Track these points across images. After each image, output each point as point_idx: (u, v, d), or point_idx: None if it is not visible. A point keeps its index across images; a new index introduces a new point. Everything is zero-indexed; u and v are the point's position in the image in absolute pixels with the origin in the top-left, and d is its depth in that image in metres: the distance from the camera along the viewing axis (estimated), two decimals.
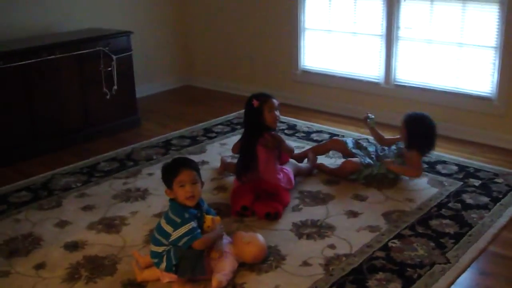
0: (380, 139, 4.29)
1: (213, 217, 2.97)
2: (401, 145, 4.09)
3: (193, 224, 2.83)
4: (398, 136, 4.19)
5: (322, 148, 4.38)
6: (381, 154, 4.11)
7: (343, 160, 4.17)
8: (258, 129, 3.74)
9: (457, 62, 4.88)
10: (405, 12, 5.06)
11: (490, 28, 4.62)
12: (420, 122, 3.98)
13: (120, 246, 3.27)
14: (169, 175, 2.92)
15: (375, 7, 5.23)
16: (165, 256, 2.84)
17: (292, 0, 5.73)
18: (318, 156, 4.29)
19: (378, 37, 5.28)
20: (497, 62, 4.63)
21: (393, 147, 4.16)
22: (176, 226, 2.82)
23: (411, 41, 5.10)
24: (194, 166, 2.97)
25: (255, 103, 3.73)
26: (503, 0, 4.49)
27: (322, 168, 4.17)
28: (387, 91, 5.29)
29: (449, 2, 4.79)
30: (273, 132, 3.78)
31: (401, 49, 5.17)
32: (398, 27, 5.13)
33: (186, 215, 2.84)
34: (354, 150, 4.14)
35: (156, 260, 2.88)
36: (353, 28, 5.46)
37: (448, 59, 4.92)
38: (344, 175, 4.02)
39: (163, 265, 2.84)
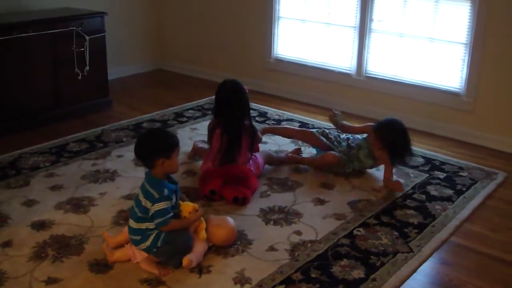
0: (347, 129, 4.26)
1: (193, 207, 2.97)
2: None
3: (168, 204, 2.85)
4: (360, 126, 4.20)
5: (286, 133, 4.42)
6: (352, 145, 4.10)
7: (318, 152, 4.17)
8: (246, 115, 3.78)
9: (428, 57, 4.95)
10: (379, 5, 5.11)
11: (461, 25, 4.69)
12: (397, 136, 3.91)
13: (88, 227, 3.28)
14: (172, 145, 2.91)
15: None
16: (152, 236, 2.86)
17: None
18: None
19: (351, 28, 5.32)
20: (466, 58, 4.71)
21: (359, 137, 4.14)
22: (154, 201, 2.83)
23: (384, 33, 5.16)
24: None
25: (246, 88, 3.80)
26: None
27: (297, 160, 4.16)
28: (358, 82, 5.35)
29: None
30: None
31: (373, 41, 5.23)
32: (371, 20, 5.17)
33: (166, 192, 2.85)
34: (325, 141, 4.14)
35: (137, 238, 2.88)
36: (327, 19, 5.50)
37: (419, 53, 4.99)
38: (324, 166, 4.01)
39: (146, 244, 2.86)
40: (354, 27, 5.29)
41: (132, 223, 2.92)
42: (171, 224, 2.86)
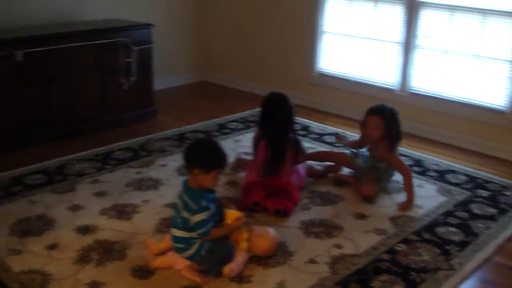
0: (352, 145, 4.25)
1: (237, 215, 2.99)
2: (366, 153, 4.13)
3: (207, 214, 2.88)
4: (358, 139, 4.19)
5: (320, 157, 4.39)
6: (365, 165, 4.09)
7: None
8: (290, 128, 3.82)
9: (473, 74, 4.91)
10: (425, 21, 5.09)
11: (507, 42, 4.65)
12: (393, 115, 3.93)
13: (131, 233, 3.34)
14: (217, 163, 2.92)
15: (395, 15, 5.27)
16: (196, 245, 2.90)
17: (312, 3, 5.79)
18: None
19: (396, 44, 5.32)
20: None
21: (363, 154, 4.14)
22: (193, 212, 2.87)
23: (428, 50, 5.14)
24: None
25: (292, 102, 3.84)
26: None
27: (340, 177, 4.15)
28: (401, 98, 5.33)
29: (470, 14, 4.82)
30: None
31: (418, 57, 5.21)
32: (416, 36, 5.16)
33: (203, 203, 2.88)
34: (358, 163, 4.14)
35: (181, 246, 2.93)
36: (371, 34, 5.51)
37: (463, 70, 4.95)
38: (359, 194, 3.94)
39: (190, 252, 2.91)
40: (399, 42, 5.29)
41: (175, 231, 2.96)
42: (212, 233, 2.90)
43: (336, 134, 4.24)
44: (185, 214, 2.89)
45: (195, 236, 2.90)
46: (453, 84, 5.04)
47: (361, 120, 4.03)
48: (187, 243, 2.92)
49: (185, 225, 2.91)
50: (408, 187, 3.86)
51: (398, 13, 5.24)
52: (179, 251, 2.95)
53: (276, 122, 3.79)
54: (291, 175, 3.80)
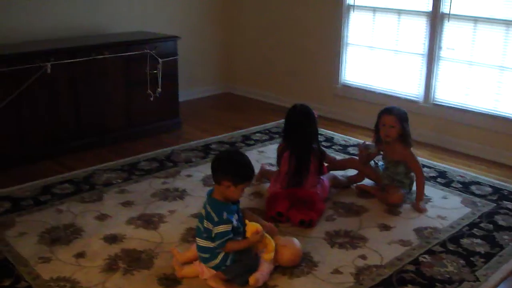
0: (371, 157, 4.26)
1: (253, 229, 2.95)
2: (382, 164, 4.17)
3: (228, 227, 2.90)
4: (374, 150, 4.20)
5: (339, 164, 4.41)
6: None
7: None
8: (313, 139, 3.86)
9: (498, 86, 4.90)
10: (448, 33, 5.10)
11: None
12: (404, 114, 4.02)
13: (158, 242, 3.39)
14: (242, 179, 2.94)
15: (419, 27, 5.28)
16: (221, 255, 2.93)
17: (336, 15, 5.83)
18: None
19: (420, 56, 5.33)
20: None
21: (380, 164, 4.21)
22: (214, 224, 2.90)
23: (453, 61, 5.14)
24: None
25: (316, 113, 3.87)
26: None
27: (364, 188, 4.16)
28: (425, 109, 5.33)
29: (493, 25, 4.82)
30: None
31: (442, 69, 5.21)
32: (440, 47, 5.17)
33: (225, 215, 2.91)
34: (379, 173, 4.17)
35: (206, 255, 2.96)
36: (395, 46, 5.53)
37: (488, 82, 4.95)
38: (387, 204, 3.97)
39: (215, 262, 2.94)
40: (423, 54, 5.30)
41: (199, 241, 3.00)
42: (228, 245, 2.91)
43: (358, 144, 4.25)
44: (206, 224, 2.94)
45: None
46: (478, 95, 5.03)
47: (373, 127, 4.11)
48: (212, 253, 2.96)
49: (209, 235, 2.94)
50: (421, 185, 3.96)
51: (421, 24, 5.25)
52: (204, 261, 2.99)
53: (300, 133, 3.83)
54: (315, 186, 3.83)
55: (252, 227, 2.96)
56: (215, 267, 2.95)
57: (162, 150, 4.97)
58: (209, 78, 6.99)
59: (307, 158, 3.78)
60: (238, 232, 2.98)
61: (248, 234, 2.95)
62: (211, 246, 2.94)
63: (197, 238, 3.02)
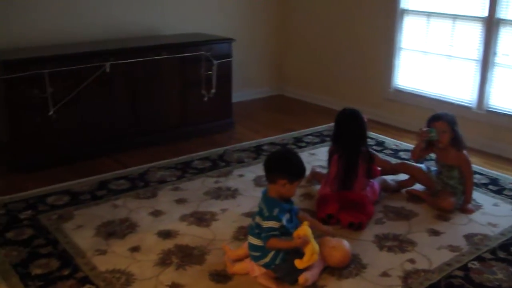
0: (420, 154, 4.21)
1: (298, 233, 2.96)
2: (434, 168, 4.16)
3: (275, 224, 2.96)
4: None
5: (391, 169, 4.38)
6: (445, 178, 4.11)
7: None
8: (362, 143, 3.90)
9: None
10: (504, 38, 5.06)
11: None
12: (454, 119, 4.03)
13: (210, 239, 3.48)
14: (297, 176, 3.04)
15: (473, 32, 5.25)
16: (271, 253, 3.00)
17: (390, 20, 5.84)
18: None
19: (474, 61, 5.29)
20: None
21: (434, 171, 4.18)
22: (263, 218, 2.99)
23: (508, 68, 5.10)
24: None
25: (366, 117, 3.92)
26: None
27: (415, 193, 4.17)
28: (478, 116, 5.30)
29: None
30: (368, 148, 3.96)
31: (496, 75, 5.17)
32: (495, 53, 5.13)
33: (275, 212, 2.98)
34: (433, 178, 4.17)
35: (257, 254, 3.04)
36: (449, 51, 5.51)
37: None
38: (438, 209, 3.98)
39: (265, 260, 3.01)
40: (477, 60, 5.26)
41: (251, 239, 3.08)
42: (271, 241, 2.96)
43: (420, 130, 4.18)
44: (258, 220, 3.02)
45: None
46: None
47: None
48: (262, 251, 3.02)
49: (259, 230, 3.01)
50: (470, 188, 3.99)
51: (476, 30, 5.22)
52: (255, 259, 3.06)
53: (348, 136, 3.88)
54: (364, 188, 3.86)
55: (298, 230, 2.97)
56: (265, 265, 3.02)
57: (215, 149, 5.07)
58: (262, 80, 7.08)
59: (355, 161, 3.83)
60: (288, 232, 3.02)
61: (295, 235, 2.99)
62: (262, 244, 3.01)
63: (249, 236, 3.10)
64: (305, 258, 2.93)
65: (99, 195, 4.10)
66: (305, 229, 2.95)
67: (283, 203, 3.04)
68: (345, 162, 3.84)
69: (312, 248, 2.94)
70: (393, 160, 4.85)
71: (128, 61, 4.88)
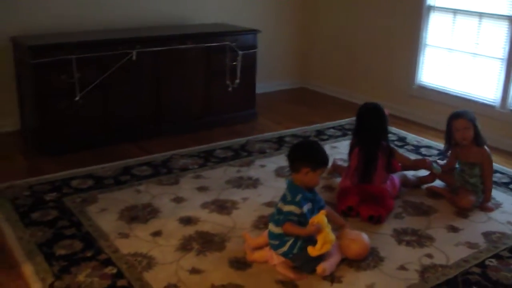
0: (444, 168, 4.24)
1: (314, 219, 3.01)
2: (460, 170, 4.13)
3: (296, 210, 3.02)
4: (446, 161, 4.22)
5: (411, 164, 4.37)
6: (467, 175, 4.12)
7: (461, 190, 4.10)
8: (382, 137, 3.92)
9: None
10: None
11: None
12: (474, 115, 4.03)
13: (230, 227, 3.53)
14: (319, 163, 3.09)
15: (499, 30, 5.24)
16: (289, 243, 3.04)
17: (416, 16, 5.84)
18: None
19: (499, 60, 5.28)
20: None
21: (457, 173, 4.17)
22: (285, 202, 3.06)
23: None
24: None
25: (387, 111, 3.94)
26: None
27: (435, 190, 4.18)
28: (501, 115, 5.29)
29: None
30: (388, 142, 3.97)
31: None
32: None
33: (298, 198, 3.04)
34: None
35: (276, 242, 3.09)
36: (474, 49, 5.50)
37: None
38: (457, 206, 3.99)
39: (283, 249, 3.05)
40: (502, 58, 5.25)
41: (272, 227, 3.12)
42: (287, 225, 3.01)
43: (426, 160, 4.24)
44: (280, 205, 3.08)
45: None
46: None
47: (444, 134, 4.13)
48: (281, 240, 3.07)
49: (279, 216, 3.07)
50: (489, 185, 4.01)
51: (503, 28, 5.21)
52: (274, 247, 3.10)
53: (369, 130, 3.92)
54: (384, 182, 3.89)
55: (313, 218, 3.02)
56: (283, 254, 3.06)
57: (237, 139, 5.12)
58: (286, 72, 7.11)
59: (375, 155, 3.86)
60: (306, 222, 3.05)
61: (309, 222, 3.03)
62: (281, 232, 3.06)
63: (270, 223, 3.16)
64: (317, 246, 2.97)
65: (123, 180, 4.17)
66: (320, 217, 3.00)
67: (306, 192, 3.09)
68: (365, 156, 3.87)
69: (325, 237, 2.97)
70: (414, 156, 4.86)
71: (154, 49, 4.94)
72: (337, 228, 3.31)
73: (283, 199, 3.09)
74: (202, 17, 5.98)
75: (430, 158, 4.38)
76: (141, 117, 5.06)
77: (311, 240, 3.01)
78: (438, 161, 4.31)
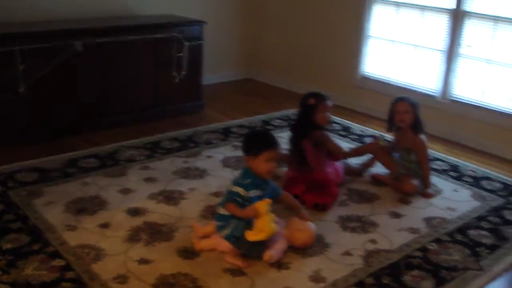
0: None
1: (253, 206, 3.07)
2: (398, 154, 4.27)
3: (242, 192, 3.10)
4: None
5: (360, 151, 4.50)
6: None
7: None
8: (307, 126, 3.98)
9: None
10: (468, 30, 5.20)
11: None
12: (417, 102, 4.19)
13: (178, 217, 3.56)
14: (260, 147, 3.15)
15: (440, 23, 5.39)
16: (232, 225, 3.11)
17: (360, 8, 5.95)
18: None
19: (439, 52, 5.43)
20: None
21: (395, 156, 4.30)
22: (234, 183, 3.17)
23: (471, 59, 5.24)
24: (279, 146, 3.29)
25: (311, 101, 3.97)
26: None
27: (379, 178, 4.29)
28: (442, 105, 5.44)
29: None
30: (322, 132, 4.02)
31: (460, 65, 5.32)
32: (459, 44, 5.27)
33: (247, 181, 3.13)
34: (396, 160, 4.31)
35: (220, 223, 3.15)
36: (416, 41, 5.64)
37: (506, 80, 5.04)
38: (401, 192, 4.11)
39: (226, 231, 3.11)
40: (442, 50, 5.40)
41: (220, 209, 3.20)
42: (229, 205, 3.09)
43: (374, 137, 4.37)
44: (230, 186, 3.17)
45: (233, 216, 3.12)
46: (495, 93, 5.13)
47: (387, 116, 4.25)
48: (225, 221, 3.14)
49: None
50: (426, 172, 4.14)
51: (443, 21, 5.36)
52: (218, 229, 3.16)
53: (297, 120, 4.08)
54: (325, 169, 3.97)
55: (256, 204, 3.07)
56: (227, 238, 3.11)
57: (184, 130, 5.13)
58: (233, 63, 7.14)
59: (299, 145, 3.96)
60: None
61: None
62: (227, 214, 3.12)
63: (218, 207, 3.24)
64: (254, 231, 3.04)
65: (69, 173, 4.14)
66: (261, 204, 3.05)
67: (258, 179, 3.16)
68: (291, 139, 4.04)
69: (262, 224, 3.03)
70: (357, 145, 4.96)
71: (100, 40, 4.90)
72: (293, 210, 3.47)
73: (234, 180, 3.19)
74: (149, 8, 5.94)
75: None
76: (88, 109, 5.01)
77: (252, 225, 3.07)
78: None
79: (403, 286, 3.00)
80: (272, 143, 3.20)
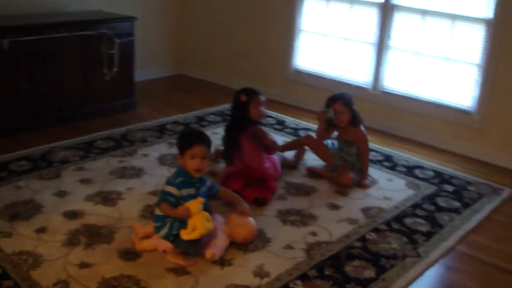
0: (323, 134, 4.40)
1: (185, 205, 3.06)
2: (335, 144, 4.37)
3: (174, 191, 3.10)
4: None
5: (296, 144, 4.56)
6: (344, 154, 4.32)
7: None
8: (242, 122, 4.00)
9: (442, 75, 5.14)
10: (397, 23, 5.32)
11: (475, 46, 4.89)
12: (350, 98, 4.26)
13: (117, 218, 3.49)
14: (183, 144, 3.17)
15: (370, 16, 5.48)
16: (168, 224, 3.09)
17: (290, 2, 5.98)
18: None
19: (370, 44, 5.53)
20: (479, 78, 4.90)
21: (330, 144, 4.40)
22: (167, 182, 3.17)
23: (401, 51, 5.36)
24: (207, 142, 3.24)
25: (243, 97, 3.98)
26: (491, 21, 4.75)
27: (314, 171, 4.33)
28: (374, 96, 5.55)
29: (440, 18, 5.06)
30: (257, 126, 4.04)
31: (390, 58, 5.43)
32: (389, 37, 5.38)
33: (178, 180, 3.12)
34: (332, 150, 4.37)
35: (158, 224, 3.12)
36: (346, 34, 5.72)
37: (434, 72, 5.19)
38: (338, 184, 4.16)
39: (164, 231, 3.09)
40: (373, 43, 5.50)
41: (157, 210, 3.17)
42: (163, 204, 3.08)
43: (317, 113, 4.35)
44: (164, 186, 3.15)
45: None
46: (424, 84, 5.27)
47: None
48: (162, 221, 3.12)
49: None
50: (365, 163, 4.22)
51: (373, 14, 5.45)
52: (156, 230, 3.14)
53: (232, 116, 4.10)
54: (263, 164, 4.00)
55: (188, 202, 3.05)
56: (165, 237, 3.10)
57: (118, 129, 5.04)
58: (165, 59, 7.06)
59: (234, 139, 4.00)
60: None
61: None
62: (161, 214, 3.11)
63: (155, 208, 3.19)
64: (187, 230, 3.02)
65: (0, 177, 3.99)
66: (193, 203, 3.03)
67: (191, 177, 3.15)
68: (226, 136, 4.07)
69: (195, 223, 3.01)
70: (294, 138, 4.99)
71: (27, 38, 4.75)
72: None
73: (167, 180, 3.19)
74: (77, 5, 5.80)
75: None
76: (16, 109, 4.84)
77: (186, 224, 3.06)
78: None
79: (345, 277, 3.05)
80: (194, 140, 3.18)
